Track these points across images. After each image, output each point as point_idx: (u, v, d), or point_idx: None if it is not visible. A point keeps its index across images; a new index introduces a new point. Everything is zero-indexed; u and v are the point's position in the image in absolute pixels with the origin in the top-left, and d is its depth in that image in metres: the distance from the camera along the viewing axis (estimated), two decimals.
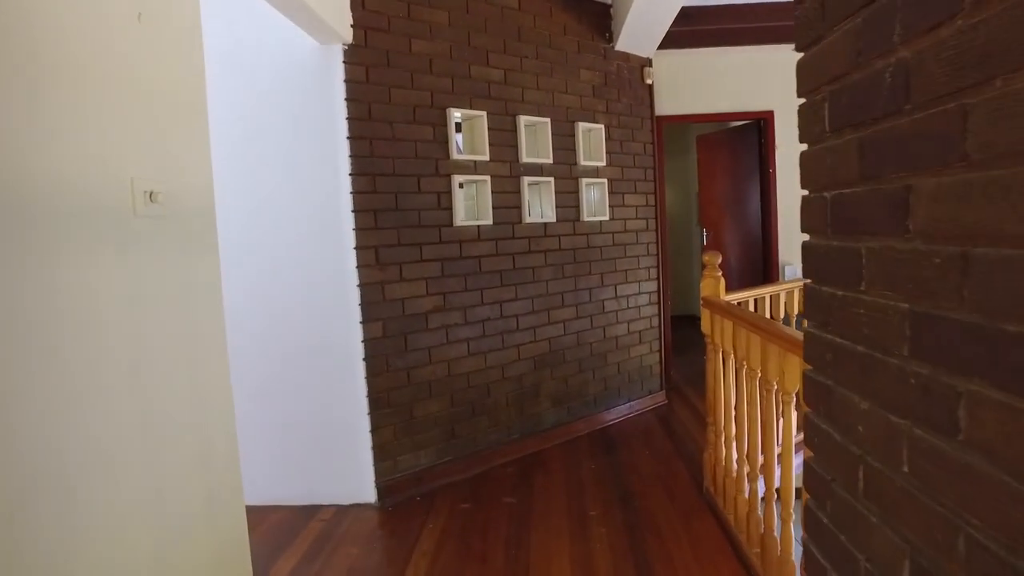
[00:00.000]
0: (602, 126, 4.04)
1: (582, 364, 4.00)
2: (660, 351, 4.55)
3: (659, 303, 4.52)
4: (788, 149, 4.94)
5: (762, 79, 4.93)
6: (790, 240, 4.99)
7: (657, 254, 4.50)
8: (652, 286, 4.46)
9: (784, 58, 4.87)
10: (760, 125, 5.08)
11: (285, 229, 2.83)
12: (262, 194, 2.85)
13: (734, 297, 2.97)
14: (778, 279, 5.01)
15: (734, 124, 5.69)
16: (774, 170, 4.96)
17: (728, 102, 4.99)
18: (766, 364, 2.08)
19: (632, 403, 4.32)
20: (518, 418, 3.67)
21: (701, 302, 2.88)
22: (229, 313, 2.77)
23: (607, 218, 4.08)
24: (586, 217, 3.95)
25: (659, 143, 4.59)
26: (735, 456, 2.60)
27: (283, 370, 2.95)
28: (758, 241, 5.21)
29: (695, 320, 8.23)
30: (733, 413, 2.62)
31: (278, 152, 2.82)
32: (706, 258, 2.88)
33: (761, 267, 5.12)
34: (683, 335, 6.59)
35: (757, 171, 5.15)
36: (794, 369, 1.88)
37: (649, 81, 4.40)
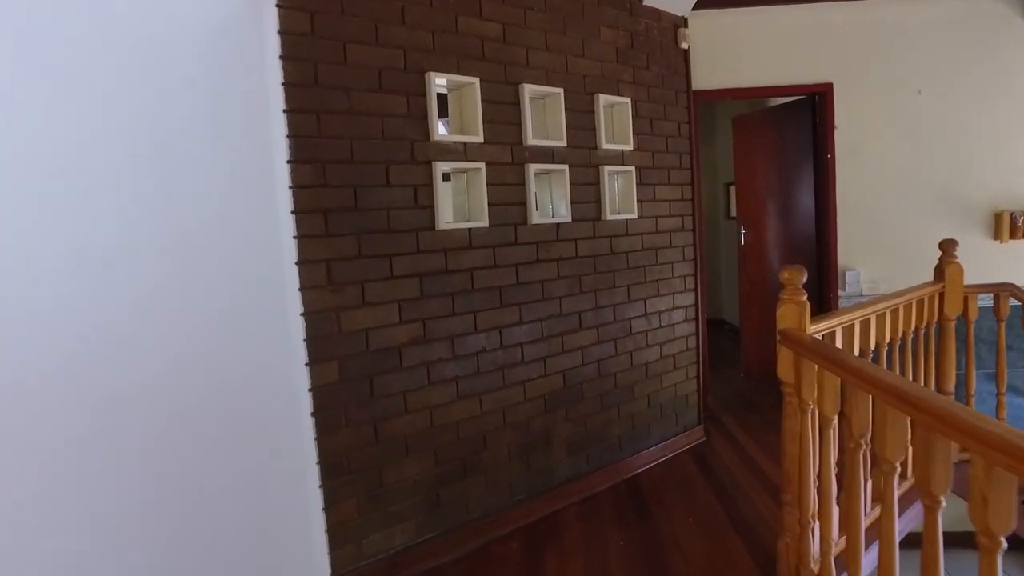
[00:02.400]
0: (628, 100, 3.21)
1: (604, 400, 3.18)
2: (697, 377, 3.73)
3: (696, 319, 3.70)
4: (850, 129, 4.08)
5: (818, 45, 4.07)
6: (853, 240, 4.13)
7: (695, 259, 3.67)
8: (688, 298, 3.63)
9: (847, 18, 4.01)
10: (814, 101, 4.23)
11: (193, 237, 2.00)
12: (158, 189, 1.99)
13: (821, 327, 2.14)
14: (837, 287, 4.16)
15: (778, 102, 4.83)
16: (833, 155, 4.10)
17: (776, 74, 4.13)
18: (929, 466, 1.25)
19: (665, 443, 3.51)
20: (524, 474, 2.86)
21: (779, 337, 2.05)
22: (113, 355, 1.88)
23: (635, 216, 3.26)
24: (609, 215, 3.12)
25: (695, 123, 3.75)
26: (834, 566, 1.79)
27: (199, 431, 2.13)
28: (810, 241, 4.36)
29: (723, 325, 7.41)
30: (835, 506, 1.81)
31: (181, 130, 1.98)
32: (785, 275, 2.05)
33: (815, 272, 4.27)
34: (712, 345, 5.75)
35: (810, 157, 4.29)
36: (1006, 496, 1.06)
37: (684, 45, 3.56)
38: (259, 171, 2.07)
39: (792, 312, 2.03)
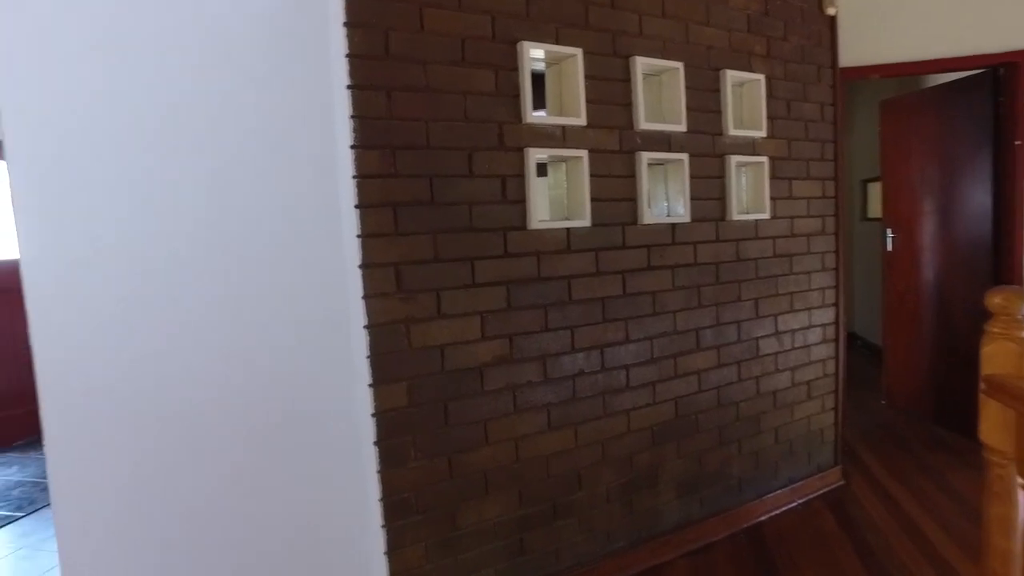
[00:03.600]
0: (761, 77, 2.68)
1: (723, 433, 2.68)
2: (835, 408, 3.13)
3: (836, 339, 3.09)
4: None
5: (1002, 5, 3.31)
6: None
7: (836, 268, 3.06)
8: (827, 315, 3.04)
9: None
10: (996, 76, 3.47)
11: (241, 237, 1.72)
12: (200, 179, 1.70)
13: None
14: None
15: (936, 81, 4.07)
16: (1022, 142, 3.34)
17: (941, 45, 3.40)
18: None
19: (794, 486, 2.94)
20: (624, 518, 2.42)
21: (984, 386, 1.50)
22: (162, 371, 1.58)
23: (766, 216, 2.72)
24: (735, 215, 2.61)
25: (841, 105, 3.14)
26: None
27: (241, 459, 1.85)
28: (984, 248, 3.59)
29: (856, 340, 6.54)
30: None
31: (228, 111, 1.70)
32: (997, 300, 1.49)
33: (990, 286, 3.51)
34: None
35: (987, 146, 3.53)
36: None
37: (832, 11, 2.97)
38: (318, 158, 1.76)
39: (1007, 352, 1.47)
